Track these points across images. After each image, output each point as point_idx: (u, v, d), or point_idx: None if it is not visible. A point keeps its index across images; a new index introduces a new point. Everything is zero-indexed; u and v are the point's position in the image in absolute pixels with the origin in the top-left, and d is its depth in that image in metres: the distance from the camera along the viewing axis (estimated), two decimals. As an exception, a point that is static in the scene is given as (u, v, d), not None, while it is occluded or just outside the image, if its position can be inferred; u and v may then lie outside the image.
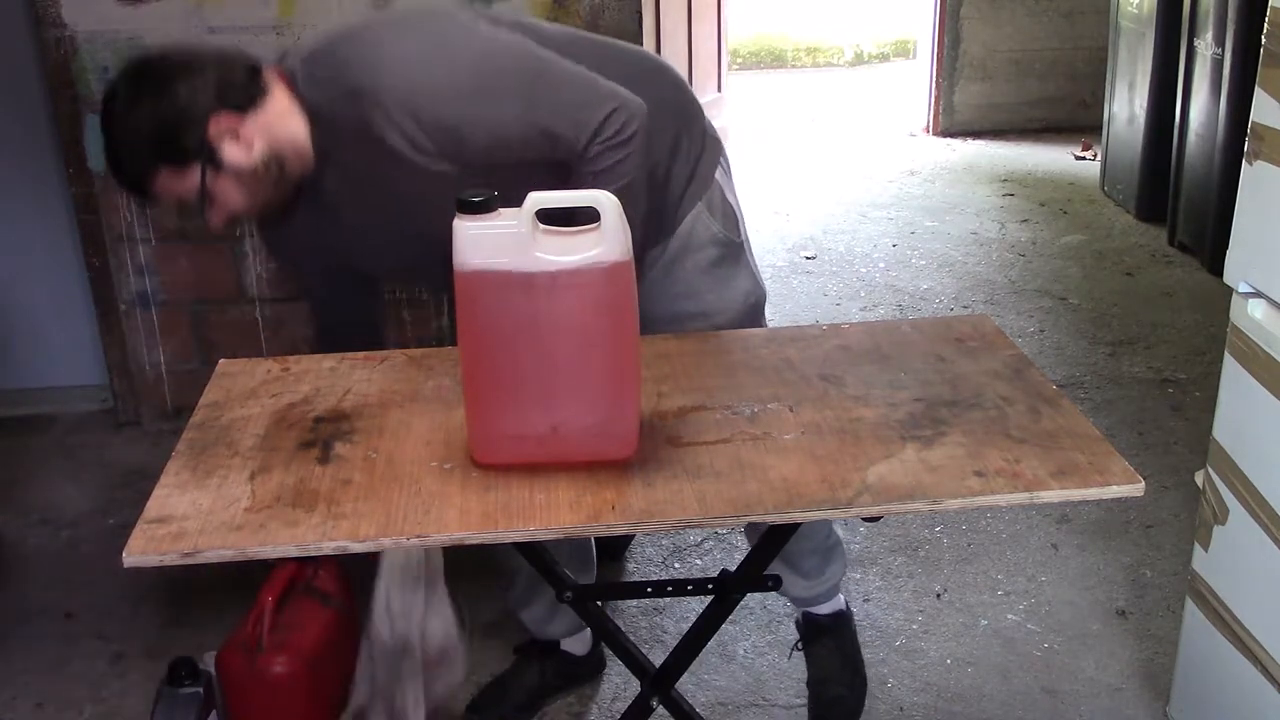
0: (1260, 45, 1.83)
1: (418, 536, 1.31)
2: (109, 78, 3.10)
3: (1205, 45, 4.37)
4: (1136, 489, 1.40)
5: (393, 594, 1.59)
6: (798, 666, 2.43)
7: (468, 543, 1.33)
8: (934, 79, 6.58)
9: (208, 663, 2.15)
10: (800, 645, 2.35)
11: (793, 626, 2.44)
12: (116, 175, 1.70)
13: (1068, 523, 2.92)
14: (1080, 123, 6.49)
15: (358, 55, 1.70)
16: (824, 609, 2.33)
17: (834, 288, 4.45)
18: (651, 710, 1.76)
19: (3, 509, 3.05)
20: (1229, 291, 1.94)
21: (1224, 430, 2.00)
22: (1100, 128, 5.53)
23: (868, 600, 2.65)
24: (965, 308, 4.25)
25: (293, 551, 1.31)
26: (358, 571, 2.41)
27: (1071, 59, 6.61)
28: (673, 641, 2.46)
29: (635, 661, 1.75)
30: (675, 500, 1.36)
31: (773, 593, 2.21)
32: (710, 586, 1.72)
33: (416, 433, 1.52)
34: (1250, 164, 1.87)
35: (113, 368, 3.39)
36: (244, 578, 2.32)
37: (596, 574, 2.37)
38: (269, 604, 2.14)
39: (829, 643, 2.32)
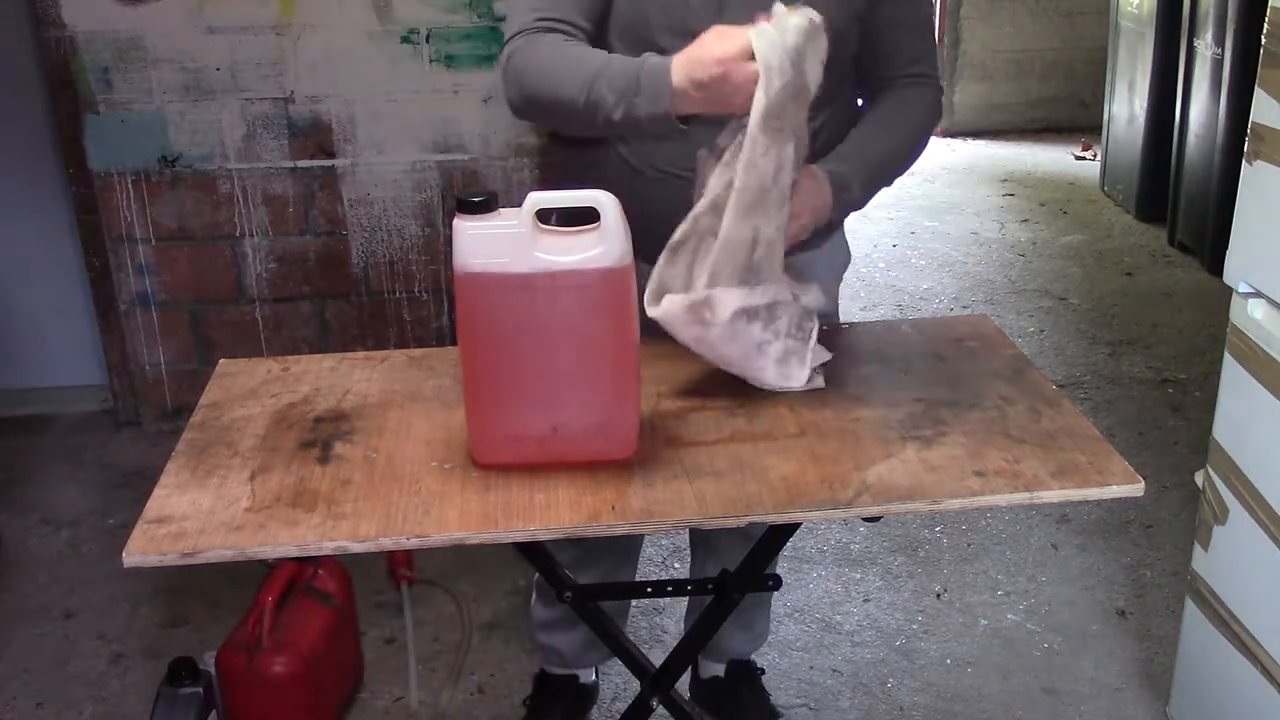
0: (1260, 45, 1.83)
1: (418, 536, 1.31)
2: (108, 78, 3.13)
3: (1205, 45, 4.37)
4: (1136, 489, 1.39)
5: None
6: (798, 666, 2.43)
7: (468, 543, 1.33)
8: (934, 79, 6.58)
9: (208, 663, 2.15)
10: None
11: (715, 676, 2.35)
12: None
13: (1068, 523, 2.92)
14: (1080, 123, 6.49)
15: None
16: (755, 655, 2.33)
17: (834, 288, 4.45)
18: (651, 710, 1.76)
19: (3, 509, 3.05)
20: (1229, 291, 1.94)
21: (1224, 430, 2.00)
22: (1100, 128, 5.53)
23: (868, 600, 2.65)
24: (965, 308, 4.25)
25: (293, 551, 1.30)
26: (358, 571, 2.42)
27: (1071, 59, 6.61)
28: (673, 641, 2.46)
29: (635, 661, 1.75)
30: (675, 500, 1.36)
31: (773, 593, 2.22)
32: (710, 586, 1.72)
33: (416, 433, 1.52)
34: (1250, 164, 1.87)
35: (113, 368, 3.39)
36: (244, 578, 2.32)
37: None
38: (269, 604, 2.14)
39: (756, 685, 2.32)
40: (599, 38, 1.67)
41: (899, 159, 1.77)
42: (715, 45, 1.43)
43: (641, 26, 1.65)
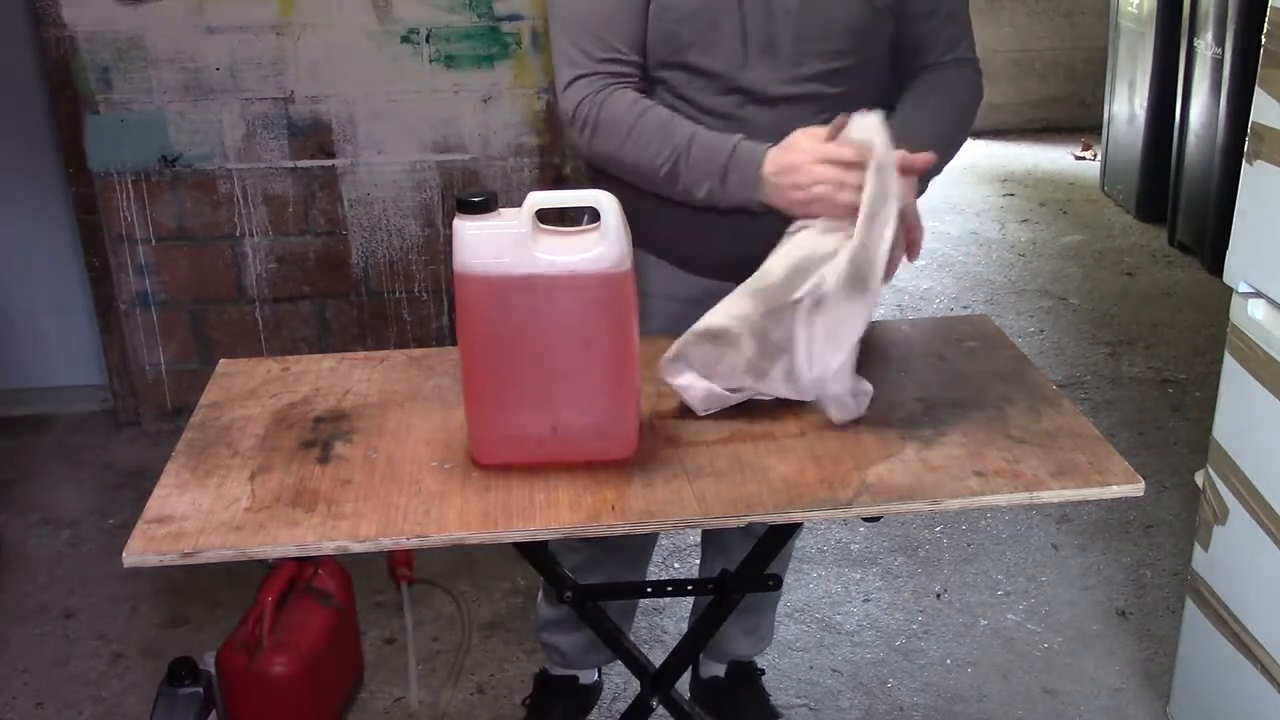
0: (1260, 45, 1.83)
1: (418, 536, 1.31)
2: (108, 78, 3.13)
3: (1205, 45, 4.37)
4: (1136, 489, 1.39)
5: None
6: (798, 666, 2.43)
7: (468, 543, 1.33)
8: (934, 79, 6.58)
9: (208, 663, 2.15)
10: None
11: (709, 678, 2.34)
12: None
13: (1068, 523, 2.92)
14: (1080, 123, 6.49)
15: None
16: (756, 656, 2.33)
17: (834, 288, 4.45)
18: (651, 710, 1.76)
19: (3, 509, 3.05)
20: (1229, 291, 1.94)
21: (1224, 430, 2.00)
22: (1100, 128, 5.53)
23: (868, 600, 2.65)
24: (965, 308, 4.25)
25: (293, 551, 1.30)
26: (357, 571, 2.42)
27: (1071, 59, 6.61)
28: (673, 641, 2.46)
29: (635, 661, 1.75)
30: (675, 500, 1.36)
31: (777, 596, 2.22)
32: (710, 586, 1.72)
33: (416, 433, 1.52)
34: (1250, 164, 1.87)
35: (113, 368, 3.39)
36: (244, 578, 2.32)
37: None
38: (269, 604, 2.14)
39: (756, 686, 2.31)
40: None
41: (950, 139, 1.75)
42: (812, 167, 1.50)
43: (673, 50, 1.65)
